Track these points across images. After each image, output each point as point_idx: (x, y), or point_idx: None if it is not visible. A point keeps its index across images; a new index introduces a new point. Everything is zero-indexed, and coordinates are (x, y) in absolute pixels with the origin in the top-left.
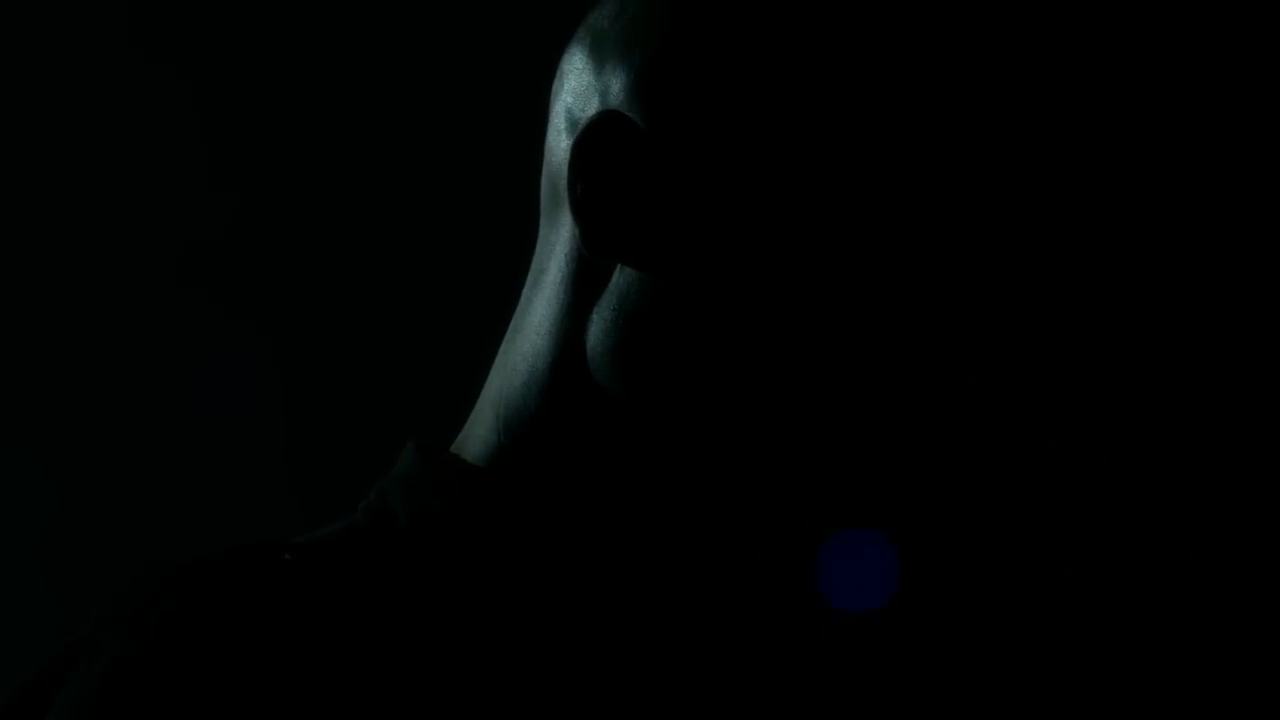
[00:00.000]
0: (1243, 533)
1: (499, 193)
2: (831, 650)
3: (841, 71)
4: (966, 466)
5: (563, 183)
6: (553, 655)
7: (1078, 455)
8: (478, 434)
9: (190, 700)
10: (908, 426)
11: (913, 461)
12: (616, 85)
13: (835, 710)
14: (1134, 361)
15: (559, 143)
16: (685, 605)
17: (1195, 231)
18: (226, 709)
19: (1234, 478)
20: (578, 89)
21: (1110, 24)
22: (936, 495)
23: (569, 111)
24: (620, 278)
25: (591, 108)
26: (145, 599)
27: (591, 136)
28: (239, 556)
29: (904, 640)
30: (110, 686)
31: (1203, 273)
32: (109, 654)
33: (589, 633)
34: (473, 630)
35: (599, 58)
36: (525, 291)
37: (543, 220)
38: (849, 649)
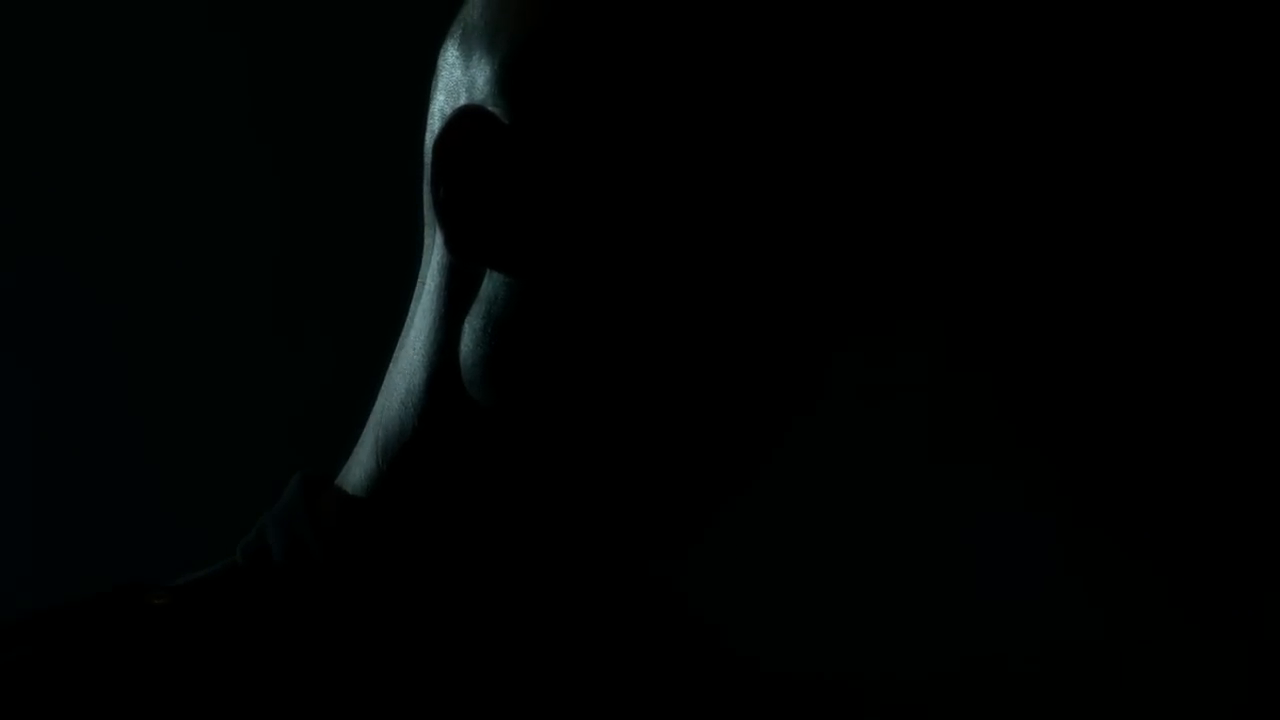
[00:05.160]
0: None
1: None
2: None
3: (697, 63)
4: None
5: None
6: (421, 698)
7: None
8: (360, 459)
9: None
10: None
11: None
12: (481, 79)
13: None
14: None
15: (431, 143)
16: (563, 629)
17: (1050, 230)
18: None
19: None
20: (448, 85)
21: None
22: None
23: (441, 110)
24: (489, 284)
25: (460, 103)
26: None
27: (452, 134)
28: (101, 602)
29: None
30: None
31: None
32: None
33: (461, 671)
34: (339, 676)
35: (467, 51)
36: (410, 305)
37: (425, 228)
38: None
